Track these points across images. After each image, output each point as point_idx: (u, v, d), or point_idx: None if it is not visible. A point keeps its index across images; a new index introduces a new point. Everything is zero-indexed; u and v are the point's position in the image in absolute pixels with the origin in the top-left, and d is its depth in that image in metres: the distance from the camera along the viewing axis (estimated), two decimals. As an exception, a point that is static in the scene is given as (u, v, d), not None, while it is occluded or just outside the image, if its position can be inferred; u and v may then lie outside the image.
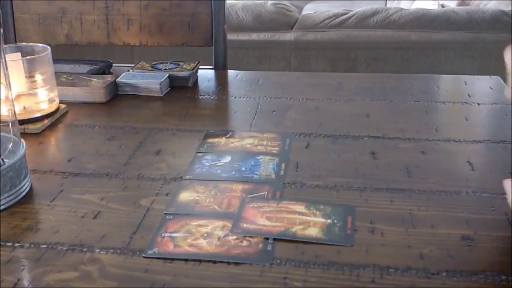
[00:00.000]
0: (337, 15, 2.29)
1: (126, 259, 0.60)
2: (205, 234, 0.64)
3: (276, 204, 0.70)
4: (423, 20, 2.22)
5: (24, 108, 0.94)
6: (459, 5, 2.88)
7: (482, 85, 1.15)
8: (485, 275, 0.57)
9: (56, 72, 0.99)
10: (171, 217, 0.68)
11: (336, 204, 0.70)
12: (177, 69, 1.15)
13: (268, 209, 0.69)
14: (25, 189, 0.73)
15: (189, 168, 0.80)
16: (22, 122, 0.90)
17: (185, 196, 0.72)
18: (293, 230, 0.65)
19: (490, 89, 1.12)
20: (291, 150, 0.85)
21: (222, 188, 0.74)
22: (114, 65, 1.22)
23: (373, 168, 0.79)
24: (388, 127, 0.92)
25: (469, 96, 1.07)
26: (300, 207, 0.69)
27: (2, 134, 0.73)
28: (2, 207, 0.70)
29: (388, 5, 3.45)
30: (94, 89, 1.05)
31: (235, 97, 1.08)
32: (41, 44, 0.97)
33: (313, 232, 0.64)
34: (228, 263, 0.60)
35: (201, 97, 1.10)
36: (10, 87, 0.74)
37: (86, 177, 0.78)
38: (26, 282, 0.57)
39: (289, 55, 2.27)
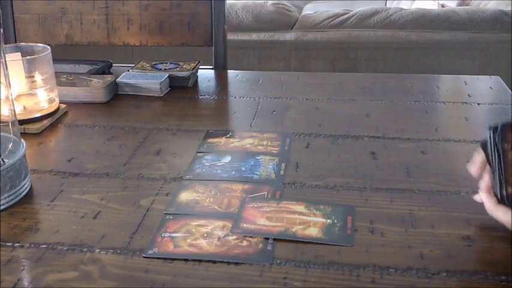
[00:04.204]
0: (337, 15, 2.29)
1: (126, 259, 0.60)
2: (205, 234, 0.64)
3: (276, 204, 0.70)
4: (423, 20, 2.22)
5: (24, 108, 0.94)
6: (459, 5, 2.88)
7: (482, 85, 1.15)
8: (485, 275, 0.57)
9: (56, 72, 0.99)
10: (171, 217, 0.68)
11: (336, 204, 0.70)
12: (177, 69, 1.15)
13: (268, 209, 0.69)
14: (25, 189, 0.73)
15: (189, 168, 0.80)
16: (22, 122, 0.90)
17: (185, 196, 0.72)
18: (293, 230, 0.65)
19: (490, 89, 1.12)
20: (291, 150, 0.85)
21: (222, 188, 0.74)
22: (114, 65, 1.22)
23: (373, 168, 0.79)
24: (388, 127, 0.92)
25: (469, 96, 1.07)
26: (300, 207, 0.69)
27: (2, 134, 0.73)
28: (2, 207, 0.70)
29: (388, 5, 3.45)
30: (94, 89, 1.05)
31: (235, 97, 1.08)
32: (41, 44, 0.97)
33: (313, 232, 0.64)
34: (228, 263, 0.60)
35: (201, 97, 1.10)
36: (10, 87, 0.74)
37: (86, 177, 0.78)
38: (26, 282, 0.57)
39: (289, 55, 2.27)
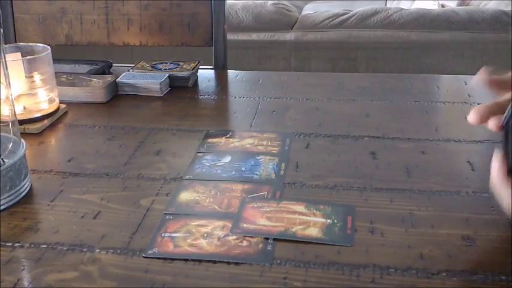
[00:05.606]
0: (337, 15, 2.29)
1: (126, 259, 0.60)
2: (205, 234, 0.64)
3: (276, 204, 0.70)
4: (423, 20, 2.22)
5: (24, 108, 0.94)
6: (459, 5, 2.88)
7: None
8: (485, 275, 0.57)
9: (56, 72, 0.99)
10: (171, 217, 0.68)
11: (336, 204, 0.70)
12: (177, 69, 1.15)
13: (268, 209, 0.69)
14: (25, 189, 0.73)
15: (189, 168, 0.80)
16: (22, 122, 0.90)
17: (185, 196, 0.72)
18: (293, 230, 0.65)
19: (490, 89, 1.12)
20: (291, 150, 0.85)
21: (222, 188, 0.74)
22: (114, 65, 1.22)
23: (373, 168, 0.79)
24: (388, 127, 0.92)
25: (469, 96, 1.07)
26: (300, 207, 0.69)
27: (2, 134, 0.73)
28: (2, 207, 0.70)
29: (388, 5, 3.46)
30: (94, 89, 1.05)
31: (235, 97, 1.08)
32: (41, 44, 0.97)
33: (313, 232, 0.64)
34: (228, 263, 0.60)
35: (201, 97, 1.10)
36: (10, 87, 0.74)
37: (86, 177, 0.78)
38: (26, 282, 0.57)
39: (289, 55, 2.28)
